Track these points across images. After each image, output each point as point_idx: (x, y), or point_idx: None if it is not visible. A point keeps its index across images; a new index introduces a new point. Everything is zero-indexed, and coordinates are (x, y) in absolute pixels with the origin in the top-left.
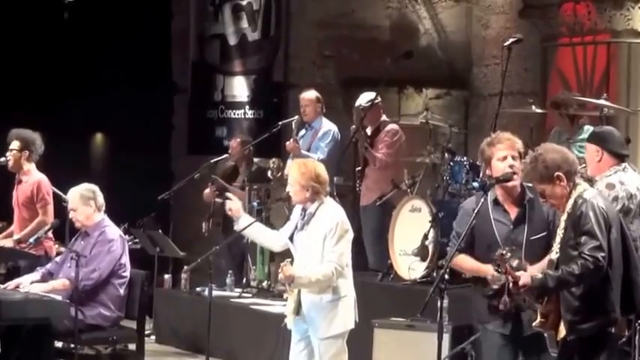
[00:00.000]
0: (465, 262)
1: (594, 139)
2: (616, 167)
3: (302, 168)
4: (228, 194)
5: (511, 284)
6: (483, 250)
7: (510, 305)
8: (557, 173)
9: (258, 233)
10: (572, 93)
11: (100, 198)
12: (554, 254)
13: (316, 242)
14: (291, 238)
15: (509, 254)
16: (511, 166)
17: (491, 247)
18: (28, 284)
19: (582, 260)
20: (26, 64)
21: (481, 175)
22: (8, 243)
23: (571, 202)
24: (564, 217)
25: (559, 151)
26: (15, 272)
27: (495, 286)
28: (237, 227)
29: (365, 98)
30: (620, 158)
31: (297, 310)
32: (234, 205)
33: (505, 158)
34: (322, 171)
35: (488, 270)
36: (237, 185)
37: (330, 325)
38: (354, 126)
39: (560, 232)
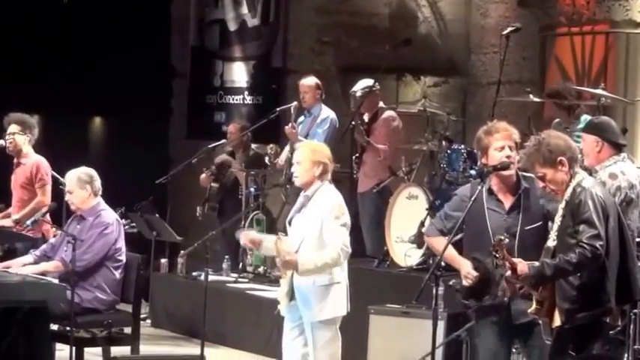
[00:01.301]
0: (441, 246)
1: (593, 129)
2: (615, 157)
3: (312, 146)
4: (240, 234)
5: (509, 272)
6: (473, 237)
7: (507, 293)
8: (560, 158)
9: None
10: (569, 82)
11: (97, 183)
12: (551, 241)
13: (313, 224)
14: (290, 222)
15: (507, 240)
16: (508, 157)
17: (481, 236)
18: (19, 267)
19: (580, 249)
20: (25, 48)
21: (478, 163)
22: (6, 223)
23: (570, 190)
24: (562, 204)
25: (563, 138)
26: (12, 254)
27: (466, 284)
28: (260, 252)
29: (361, 85)
30: (619, 148)
31: (291, 295)
32: (252, 236)
33: (502, 148)
34: (330, 153)
35: (464, 265)
36: (234, 171)
37: (321, 309)
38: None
39: (557, 220)
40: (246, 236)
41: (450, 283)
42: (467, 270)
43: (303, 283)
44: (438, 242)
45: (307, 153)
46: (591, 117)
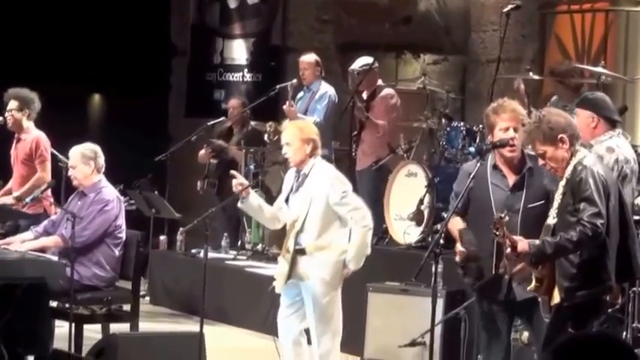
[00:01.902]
0: (456, 226)
1: (588, 105)
2: (611, 132)
3: (299, 125)
4: (233, 172)
5: (509, 249)
6: (476, 213)
7: (508, 270)
8: (561, 135)
9: (258, 213)
10: (572, 62)
11: (101, 160)
12: (551, 219)
13: (316, 200)
14: (286, 201)
15: (507, 218)
16: (512, 139)
17: (484, 211)
18: (20, 243)
19: (581, 227)
20: (24, 25)
21: (487, 139)
22: (8, 200)
23: (570, 168)
24: (563, 182)
25: (563, 115)
26: (14, 232)
27: (457, 259)
28: (241, 205)
29: (359, 63)
30: (614, 124)
31: (290, 273)
32: (243, 180)
33: (507, 129)
34: (314, 127)
35: (457, 241)
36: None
37: (327, 275)
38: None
39: (558, 198)
40: (240, 180)
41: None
42: (457, 246)
43: (312, 258)
44: (453, 222)
45: (296, 132)
46: (585, 93)
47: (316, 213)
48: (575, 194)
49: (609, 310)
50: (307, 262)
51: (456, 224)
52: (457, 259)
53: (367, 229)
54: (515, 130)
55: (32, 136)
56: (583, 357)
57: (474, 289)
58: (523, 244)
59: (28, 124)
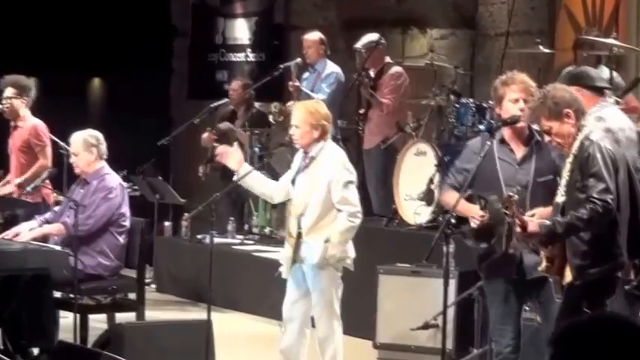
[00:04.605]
0: (454, 201)
1: (569, 79)
2: (602, 103)
3: (309, 108)
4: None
5: (519, 229)
6: (484, 188)
7: (518, 249)
8: (566, 110)
9: (257, 183)
10: (591, 30)
11: (103, 146)
12: (559, 197)
13: (319, 185)
14: (293, 182)
15: (516, 197)
16: (522, 110)
17: (491, 186)
18: (27, 232)
19: (591, 204)
20: (23, 9)
21: (494, 113)
22: (9, 188)
23: (577, 143)
24: (570, 159)
25: (568, 91)
26: (13, 221)
27: (473, 225)
28: (236, 177)
29: (364, 41)
30: (601, 92)
31: (295, 257)
32: (236, 154)
33: (517, 101)
34: (327, 110)
35: (472, 209)
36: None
37: (325, 259)
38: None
39: (566, 175)
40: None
41: (464, 231)
42: (474, 212)
43: (313, 242)
44: (451, 197)
45: (305, 116)
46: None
47: (319, 198)
48: (583, 170)
49: (626, 287)
50: (307, 245)
51: (454, 198)
52: (473, 224)
53: (352, 225)
54: (525, 101)
55: (29, 124)
56: (586, 344)
57: (483, 268)
58: (533, 224)
59: (25, 112)
